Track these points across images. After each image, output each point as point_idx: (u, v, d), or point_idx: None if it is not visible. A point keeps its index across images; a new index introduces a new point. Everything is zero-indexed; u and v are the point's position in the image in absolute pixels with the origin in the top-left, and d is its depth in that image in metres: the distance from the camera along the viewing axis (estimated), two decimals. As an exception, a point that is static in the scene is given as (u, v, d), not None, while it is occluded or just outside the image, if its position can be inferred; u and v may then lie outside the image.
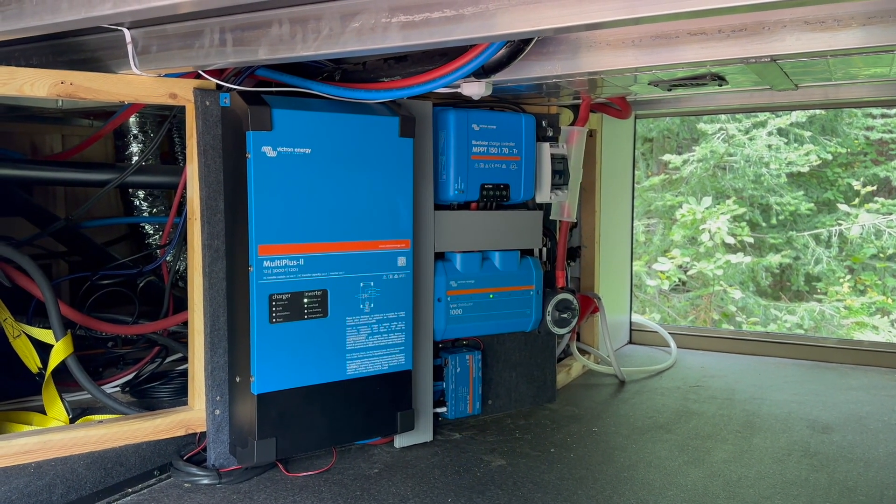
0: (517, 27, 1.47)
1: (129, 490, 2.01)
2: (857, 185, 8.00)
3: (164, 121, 3.27)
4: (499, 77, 2.03)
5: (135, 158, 3.10)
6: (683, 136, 8.64)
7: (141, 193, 3.14)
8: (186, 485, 2.05)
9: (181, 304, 2.80)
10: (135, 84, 2.00)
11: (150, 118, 3.15)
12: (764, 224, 8.05)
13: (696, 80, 2.17)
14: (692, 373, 3.32)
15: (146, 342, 2.67)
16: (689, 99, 3.12)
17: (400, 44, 1.59)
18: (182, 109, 2.35)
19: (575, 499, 2.00)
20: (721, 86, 2.26)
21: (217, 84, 2.07)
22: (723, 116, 7.72)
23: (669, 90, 2.36)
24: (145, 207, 3.15)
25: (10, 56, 2.17)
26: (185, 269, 3.10)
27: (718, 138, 7.83)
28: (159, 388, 2.47)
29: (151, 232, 3.16)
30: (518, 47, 1.88)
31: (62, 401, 2.18)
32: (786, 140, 7.88)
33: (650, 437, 2.48)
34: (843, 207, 7.86)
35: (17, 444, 1.91)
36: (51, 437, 1.95)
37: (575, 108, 2.87)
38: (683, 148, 8.56)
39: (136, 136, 3.12)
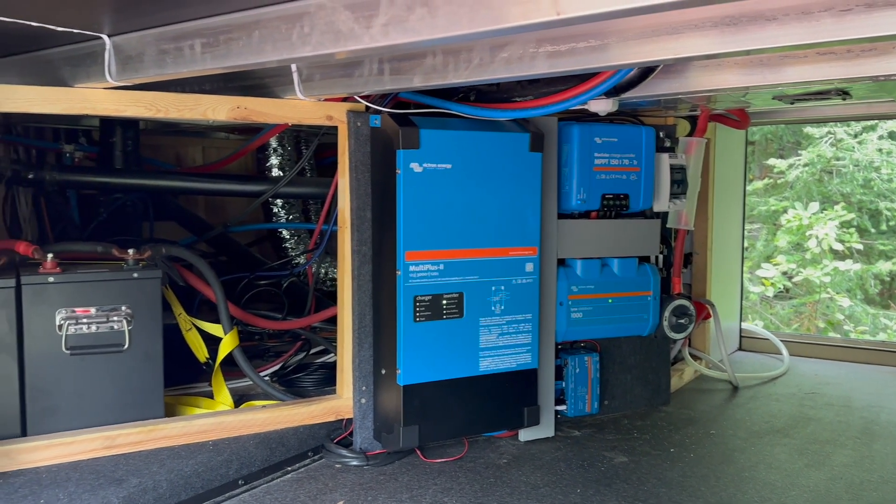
0: (658, 55, 1.60)
1: (289, 468, 2.25)
2: (976, 189, 7.60)
3: (298, 136, 3.57)
4: (627, 95, 2.16)
5: (275, 171, 3.40)
6: (787, 140, 8.43)
7: (279, 202, 3.43)
8: (337, 465, 2.28)
9: (319, 304, 3.07)
10: (297, 108, 2.25)
11: (288, 133, 3.44)
12: (873, 230, 7.76)
13: (820, 95, 2.23)
14: (806, 380, 3.33)
15: (290, 336, 2.94)
16: (807, 108, 3.14)
17: (546, 71, 1.74)
18: (324, 128, 2.60)
19: (699, 495, 2.10)
20: (844, 100, 2.31)
21: (366, 106, 2.30)
22: (831, 119, 7.50)
23: (792, 104, 2.42)
24: (283, 214, 3.44)
25: (185, 82, 2.45)
26: (326, 271, 3.38)
27: (826, 142, 7.61)
28: (304, 378, 2.72)
29: (288, 237, 3.45)
30: (649, 67, 2.01)
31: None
32: (898, 143, 7.57)
33: (768, 441, 2.55)
34: (961, 213, 7.48)
35: (197, 424, 2.19)
36: (224, 419, 2.23)
37: (691, 119, 2.96)
38: (786, 151, 8.35)
39: (275, 150, 3.42)
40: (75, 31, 1.84)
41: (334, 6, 1.48)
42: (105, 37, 1.88)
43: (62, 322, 2.07)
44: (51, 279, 2.07)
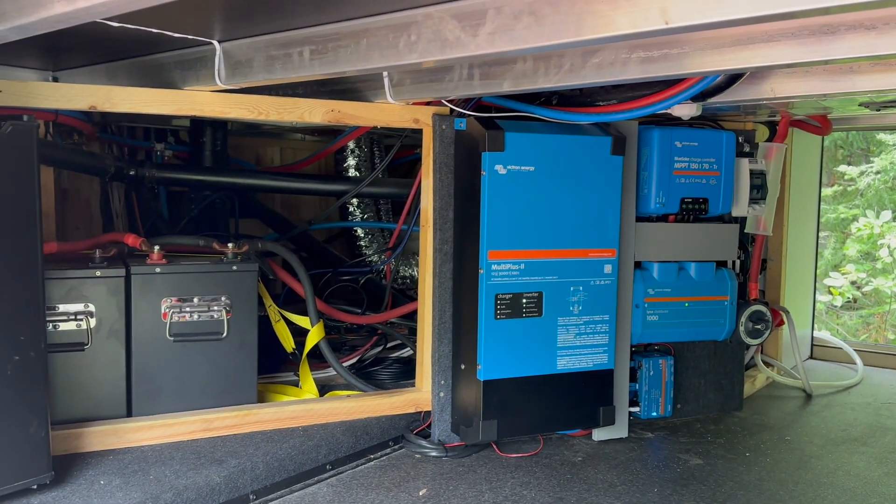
0: (752, 62, 1.63)
1: (372, 456, 2.34)
2: None
3: (373, 138, 3.67)
4: (712, 100, 2.18)
5: (352, 171, 3.51)
6: (858, 146, 8.21)
7: (355, 201, 3.54)
8: (417, 455, 2.36)
9: (393, 300, 3.17)
10: (387, 111, 2.35)
11: (365, 136, 3.55)
12: (950, 240, 7.49)
13: (909, 101, 2.22)
14: (881, 390, 3.28)
15: (366, 330, 3.04)
16: (889, 115, 3.09)
17: (637, 76, 1.79)
18: (407, 130, 2.69)
19: (778, 498, 2.11)
20: (935, 106, 2.29)
21: (450, 109, 2.38)
22: (905, 125, 7.27)
23: (878, 110, 2.41)
24: (358, 213, 3.55)
25: (280, 86, 2.56)
26: (398, 269, 3.47)
27: (900, 149, 7.39)
28: (381, 371, 2.82)
29: (362, 235, 3.56)
30: (737, 73, 2.03)
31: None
32: (978, 151, 7.30)
33: (845, 449, 2.53)
34: None
35: (288, 410, 2.30)
36: (312, 406, 2.33)
37: (769, 124, 2.95)
38: (855, 158, 8.13)
39: (352, 151, 3.53)
40: (189, 37, 1.97)
41: (441, 16, 1.56)
42: (216, 42, 2.01)
43: (167, 310, 2.21)
44: (157, 270, 2.21)
